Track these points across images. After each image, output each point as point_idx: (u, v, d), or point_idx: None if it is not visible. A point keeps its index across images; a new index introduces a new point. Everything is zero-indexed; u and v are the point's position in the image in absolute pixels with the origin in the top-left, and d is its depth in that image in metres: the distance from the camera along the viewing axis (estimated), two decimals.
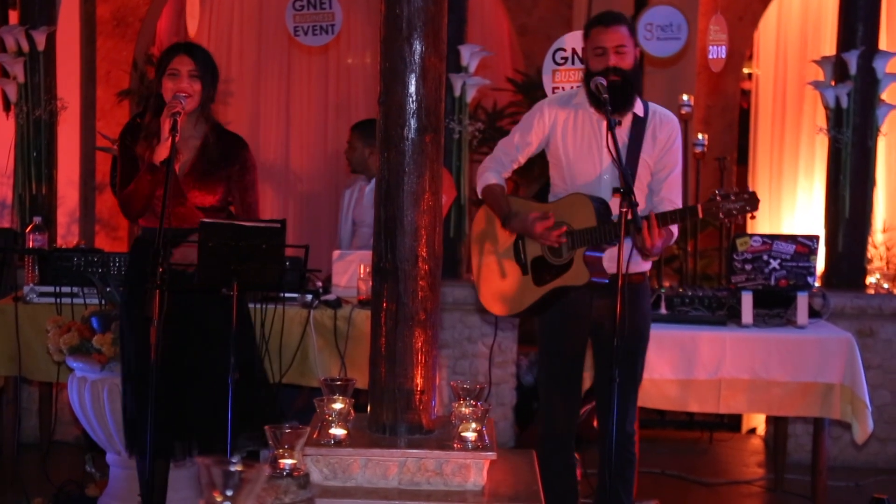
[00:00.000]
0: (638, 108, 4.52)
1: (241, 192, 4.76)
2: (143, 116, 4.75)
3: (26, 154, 6.61)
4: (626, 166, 4.28)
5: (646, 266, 4.62)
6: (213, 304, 4.49)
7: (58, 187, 6.85)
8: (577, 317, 4.57)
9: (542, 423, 4.73)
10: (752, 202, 4.22)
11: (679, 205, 4.53)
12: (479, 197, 4.77)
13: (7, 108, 6.85)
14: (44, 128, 6.64)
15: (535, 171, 5.64)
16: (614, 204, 4.38)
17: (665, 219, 4.27)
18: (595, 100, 4.43)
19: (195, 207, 4.66)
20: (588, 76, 4.49)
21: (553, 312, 4.60)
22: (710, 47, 7.14)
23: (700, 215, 4.28)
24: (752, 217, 4.36)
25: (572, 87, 5.42)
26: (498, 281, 4.72)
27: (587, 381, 5.00)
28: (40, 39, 6.56)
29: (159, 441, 4.26)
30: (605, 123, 4.42)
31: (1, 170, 7.14)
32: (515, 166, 4.72)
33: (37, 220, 5.98)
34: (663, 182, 4.54)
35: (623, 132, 4.47)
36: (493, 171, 4.69)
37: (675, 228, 4.43)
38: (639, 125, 4.52)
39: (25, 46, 6.57)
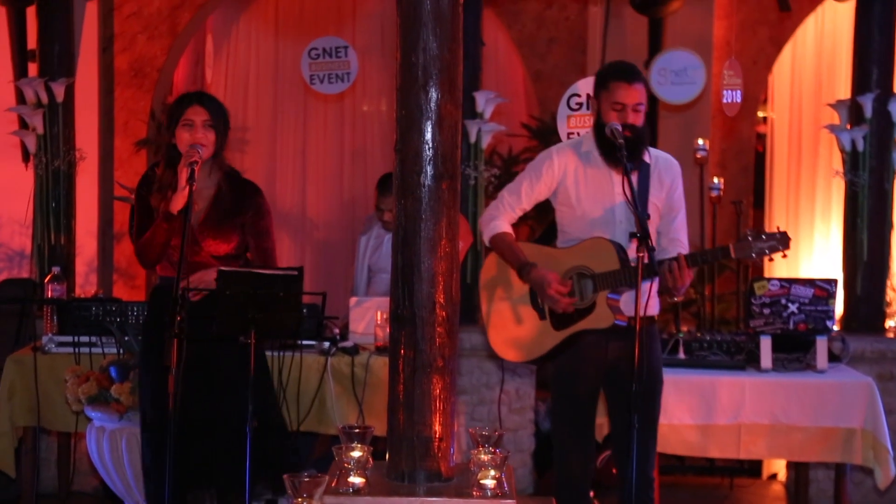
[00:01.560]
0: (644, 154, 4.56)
1: (255, 237, 4.78)
2: (159, 166, 4.78)
3: (45, 204, 6.64)
4: (640, 211, 4.31)
5: (656, 309, 4.63)
6: (229, 351, 4.50)
7: (76, 237, 6.87)
8: (591, 360, 4.56)
9: (558, 469, 4.71)
10: (784, 242, 4.27)
11: (686, 244, 4.57)
12: (487, 245, 4.77)
13: (26, 159, 6.90)
14: (62, 178, 6.67)
15: (552, 215, 5.63)
16: (631, 249, 4.40)
17: (695, 259, 4.32)
18: (605, 147, 4.45)
19: (210, 256, 4.68)
20: (598, 126, 4.51)
21: (566, 356, 4.59)
22: (725, 91, 7.15)
23: (733, 255, 4.32)
24: (771, 260, 4.38)
25: (578, 134, 5.43)
26: (512, 327, 4.70)
27: (605, 426, 4.98)
28: (59, 91, 6.62)
29: (178, 490, 4.25)
30: (617, 169, 4.45)
31: (20, 220, 7.18)
32: (521, 213, 4.72)
33: (55, 269, 6.00)
34: (672, 224, 4.59)
35: (632, 178, 4.48)
36: (501, 220, 4.69)
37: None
38: (645, 170, 4.55)
39: (45, 98, 6.62)
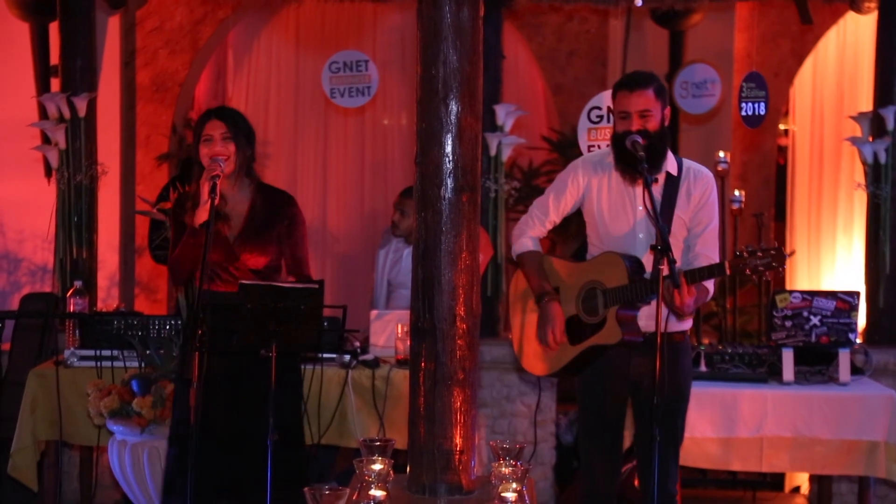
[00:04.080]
0: (671, 166, 4.52)
1: (291, 247, 4.80)
2: (181, 179, 4.80)
3: (67, 219, 6.67)
4: (661, 223, 4.27)
5: (686, 325, 4.60)
6: (258, 364, 4.51)
7: (98, 251, 6.90)
8: (616, 374, 4.55)
9: (583, 483, 4.69)
10: (779, 258, 4.19)
11: (716, 259, 4.52)
12: (515, 259, 4.78)
13: (49, 174, 6.93)
14: (84, 192, 6.70)
15: (572, 229, 5.64)
16: (648, 261, 4.38)
17: (693, 276, 4.26)
18: (622, 159, 4.44)
19: (249, 270, 4.68)
20: (614, 138, 4.50)
21: (592, 370, 4.58)
22: (744, 104, 7.12)
23: (728, 272, 4.26)
24: (782, 270, 4.30)
25: (603, 147, 5.43)
26: (538, 340, 4.70)
27: (628, 439, 4.96)
28: (81, 106, 6.65)
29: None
30: (637, 182, 4.43)
31: (42, 235, 7.22)
32: (551, 226, 4.73)
33: (77, 284, 6.03)
34: (699, 237, 4.53)
35: (656, 190, 4.45)
36: (530, 236, 4.70)
37: (709, 285, 4.40)
38: (672, 183, 4.51)
39: (67, 113, 6.65)
